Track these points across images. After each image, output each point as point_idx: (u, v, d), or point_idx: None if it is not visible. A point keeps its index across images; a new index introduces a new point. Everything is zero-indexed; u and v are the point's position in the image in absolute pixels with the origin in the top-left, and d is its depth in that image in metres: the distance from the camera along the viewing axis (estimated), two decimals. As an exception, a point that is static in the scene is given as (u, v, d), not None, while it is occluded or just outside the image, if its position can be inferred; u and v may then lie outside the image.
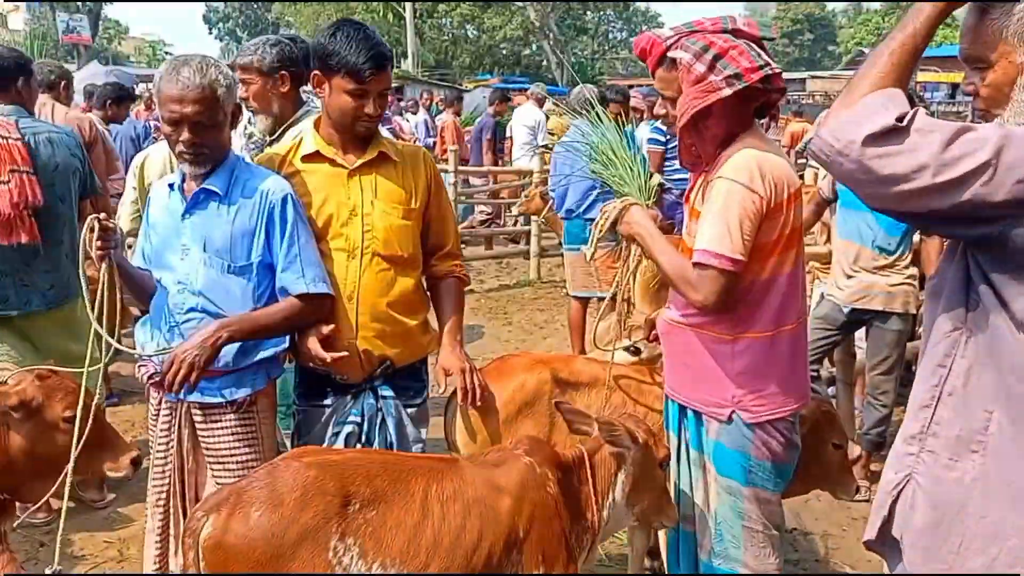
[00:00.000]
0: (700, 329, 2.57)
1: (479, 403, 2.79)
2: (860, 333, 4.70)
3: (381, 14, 36.23)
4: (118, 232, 2.52)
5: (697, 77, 2.35)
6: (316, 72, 2.63)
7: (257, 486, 2.08)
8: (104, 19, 44.95)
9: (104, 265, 2.48)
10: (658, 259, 2.56)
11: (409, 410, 2.80)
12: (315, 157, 2.71)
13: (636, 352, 3.47)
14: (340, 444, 2.65)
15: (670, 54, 2.41)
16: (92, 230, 2.43)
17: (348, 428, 2.68)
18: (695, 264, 2.41)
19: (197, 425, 2.60)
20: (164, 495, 2.64)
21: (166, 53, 41.19)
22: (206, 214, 2.59)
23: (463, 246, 9.92)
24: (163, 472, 2.65)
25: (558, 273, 8.91)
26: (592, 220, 6.23)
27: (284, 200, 2.57)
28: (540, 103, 11.29)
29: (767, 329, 2.52)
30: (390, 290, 2.70)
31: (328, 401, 2.72)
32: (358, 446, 2.66)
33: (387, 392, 2.73)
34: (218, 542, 2.03)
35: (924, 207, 1.48)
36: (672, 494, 2.72)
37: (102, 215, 2.49)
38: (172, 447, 2.64)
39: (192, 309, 2.58)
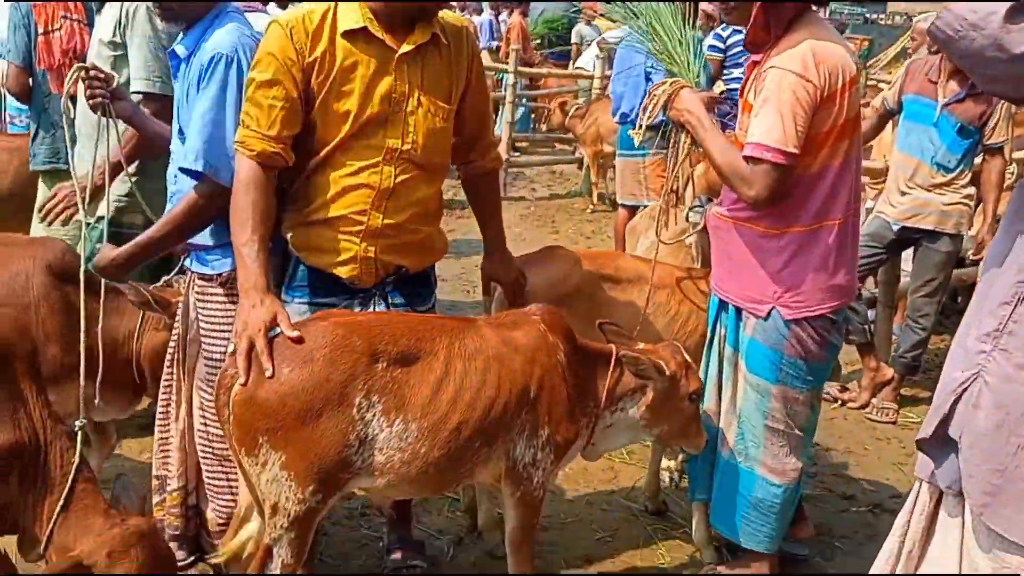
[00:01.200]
0: (746, 224, 2.56)
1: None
2: (907, 255, 4.59)
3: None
4: (112, 82, 2.52)
5: None
6: None
7: (286, 345, 2.09)
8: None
9: (99, 113, 2.50)
10: (709, 148, 2.51)
11: None
12: (360, 35, 2.28)
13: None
14: None
15: None
16: (81, 78, 2.43)
17: None
18: (747, 158, 2.38)
19: (196, 294, 2.58)
20: (170, 360, 2.68)
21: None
22: (178, 78, 2.51)
23: (516, 153, 9.98)
24: (173, 340, 2.69)
25: (612, 187, 8.82)
26: (650, 127, 6.18)
27: (215, 60, 2.34)
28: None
29: (811, 223, 2.49)
30: (417, 199, 2.44)
31: (332, 300, 2.45)
32: None
33: (398, 299, 2.53)
34: (249, 397, 2.05)
35: None
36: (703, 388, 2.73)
37: (90, 66, 2.51)
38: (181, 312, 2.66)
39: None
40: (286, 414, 2.03)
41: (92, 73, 2.52)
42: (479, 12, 14.27)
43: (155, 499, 2.71)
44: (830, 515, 3.52)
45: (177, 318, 2.64)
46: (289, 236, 2.43)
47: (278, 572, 2.16)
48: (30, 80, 3.71)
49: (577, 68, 10.91)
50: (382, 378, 2.10)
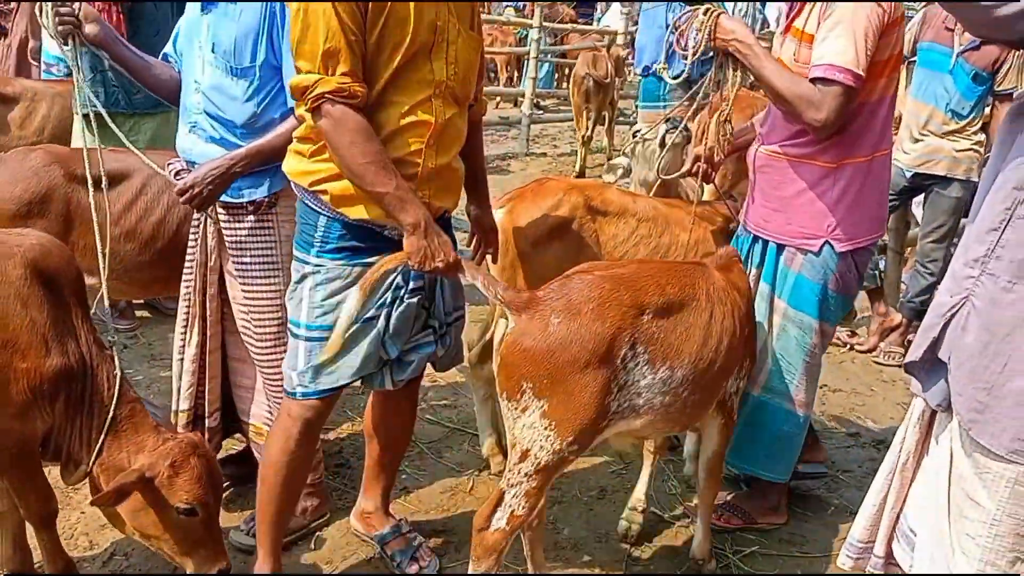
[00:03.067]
0: (803, 159, 2.57)
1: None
2: (916, 200, 4.66)
3: None
4: (78, 8, 2.54)
5: None
6: None
7: (554, 296, 2.10)
8: None
9: (70, 42, 2.53)
10: (766, 74, 2.45)
11: None
12: None
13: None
14: (401, 311, 2.25)
15: None
16: (48, 6, 2.43)
17: (415, 295, 2.28)
18: (817, 79, 2.37)
19: (221, 223, 2.60)
20: (190, 287, 2.72)
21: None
22: (218, 12, 2.48)
23: (539, 111, 10.00)
24: (191, 267, 2.71)
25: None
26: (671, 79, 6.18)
27: None
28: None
29: (866, 154, 2.54)
30: (459, 134, 2.32)
31: (367, 259, 2.24)
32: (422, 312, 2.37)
33: None
34: (517, 342, 2.07)
35: None
36: None
37: None
38: (199, 242, 2.69)
39: (203, 110, 2.55)
40: (552, 364, 2.04)
41: (55, 1, 2.51)
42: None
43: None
44: (836, 451, 3.65)
45: (193, 248, 2.70)
46: (322, 189, 2.19)
47: (504, 522, 2.13)
48: None
49: (603, 25, 10.89)
50: (648, 329, 2.13)
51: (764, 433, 2.85)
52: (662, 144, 3.55)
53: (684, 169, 3.11)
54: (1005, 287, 1.61)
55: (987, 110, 4.28)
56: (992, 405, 1.62)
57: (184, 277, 2.74)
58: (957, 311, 1.70)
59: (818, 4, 2.45)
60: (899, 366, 4.49)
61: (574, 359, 2.03)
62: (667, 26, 6.03)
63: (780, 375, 2.80)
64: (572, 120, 10.40)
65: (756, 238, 2.81)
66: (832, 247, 2.61)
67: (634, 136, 3.99)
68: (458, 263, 2.14)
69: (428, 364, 2.49)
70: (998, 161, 1.71)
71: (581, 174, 8.30)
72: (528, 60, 9.61)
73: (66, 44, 2.58)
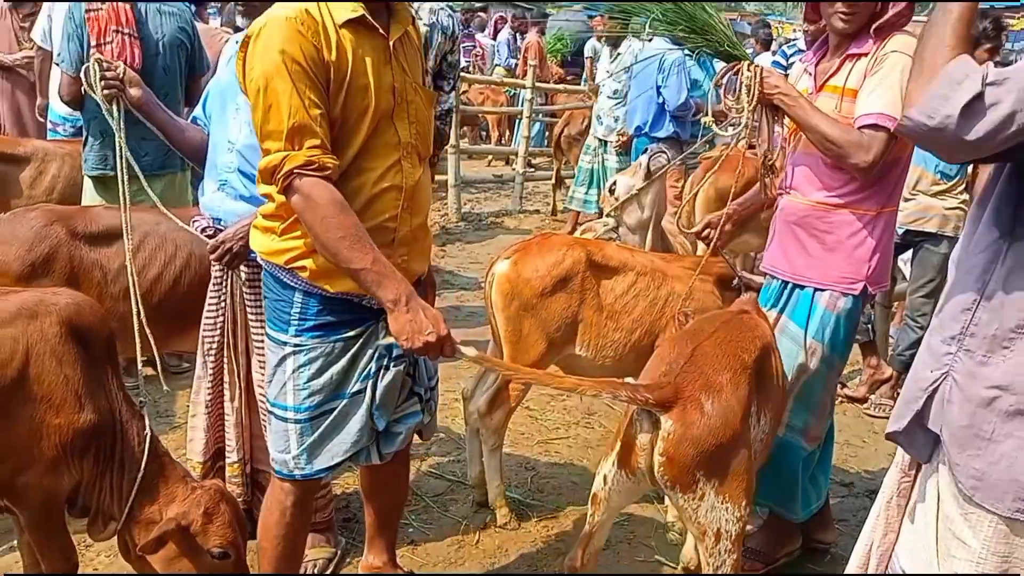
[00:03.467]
0: (848, 208, 2.74)
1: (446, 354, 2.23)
2: (902, 257, 4.82)
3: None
4: (123, 71, 2.66)
5: None
6: None
7: (692, 378, 2.14)
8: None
9: (115, 105, 2.63)
10: (814, 121, 2.63)
11: None
12: (359, 25, 2.09)
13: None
14: (387, 382, 2.23)
15: None
16: (96, 69, 2.54)
17: (400, 363, 2.25)
18: (867, 127, 2.58)
19: (247, 284, 2.64)
20: (215, 344, 2.75)
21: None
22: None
23: (531, 169, 10.18)
24: (215, 323, 2.74)
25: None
26: (659, 139, 6.37)
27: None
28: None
29: (895, 204, 2.78)
30: (427, 195, 2.32)
31: (350, 333, 2.19)
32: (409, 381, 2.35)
33: None
34: (684, 439, 2.08)
35: (1006, 147, 1.57)
36: None
37: (103, 58, 2.63)
38: (224, 299, 2.73)
39: (236, 169, 2.60)
40: (719, 445, 2.10)
41: (104, 64, 2.62)
42: (482, 30, 14.60)
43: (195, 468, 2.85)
44: (831, 501, 3.72)
45: (221, 305, 2.75)
46: (299, 266, 2.15)
47: None
48: (82, 89, 3.94)
49: (594, 84, 11.13)
50: (756, 382, 2.29)
51: (780, 470, 2.94)
52: (647, 174, 3.71)
53: (694, 230, 3.26)
54: (981, 361, 1.72)
55: (969, 169, 4.47)
56: (988, 471, 1.71)
57: (205, 332, 2.80)
58: (939, 385, 1.80)
59: (860, 62, 2.67)
60: (887, 418, 4.59)
61: (735, 433, 2.12)
62: (656, 91, 6.29)
63: (803, 412, 2.93)
64: (565, 177, 10.64)
65: (785, 283, 2.95)
66: (867, 289, 2.81)
67: (611, 192, 4.12)
68: (450, 338, 2.06)
69: (423, 426, 2.48)
70: (967, 241, 1.83)
71: (554, 212, 9.12)
72: (521, 119, 9.83)
73: (111, 106, 2.66)
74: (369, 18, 2.09)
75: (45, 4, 5.04)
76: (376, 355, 2.21)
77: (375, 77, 2.10)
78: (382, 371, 2.21)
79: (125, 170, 2.61)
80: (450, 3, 3.71)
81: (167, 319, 3.01)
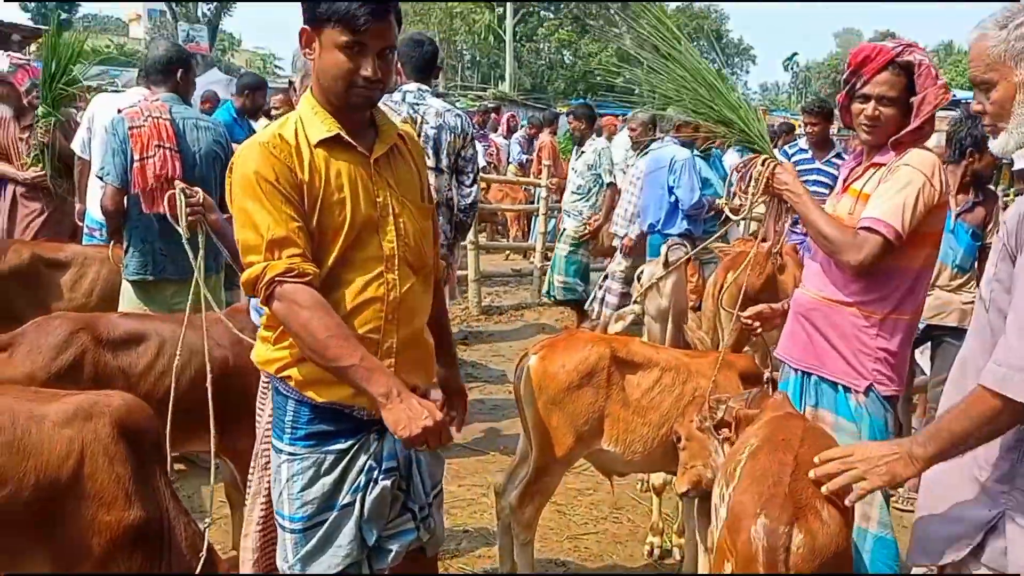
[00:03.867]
0: (854, 307, 2.83)
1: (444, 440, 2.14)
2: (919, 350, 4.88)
3: (483, 36, 37.26)
4: (201, 198, 2.80)
5: (940, 79, 2.75)
6: (304, 27, 2.16)
7: (803, 484, 2.10)
8: (220, 31, 47.16)
9: (198, 231, 2.75)
10: (812, 217, 2.79)
11: None
12: (334, 144, 2.17)
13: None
14: (376, 495, 2.21)
15: (907, 58, 2.75)
16: (181, 197, 2.70)
17: (389, 477, 2.23)
18: (863, 228, 2.70)
19: (262, 396, 2.63)
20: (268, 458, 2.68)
21: (276, 66, 43.03)
22: None
23: (548, 263, 10.39)
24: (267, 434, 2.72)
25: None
26: (670, 235, 6.51)
27: None
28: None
29: (907, 313, 2.84)
30: (421, 307, 2.31)
31: (341, 445, 2.21)
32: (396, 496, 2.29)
33: None
34: (812, 548, 2.06)
35: None
36: None
37: (185, 187, 2.79)
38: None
39: None
40: (835, 553, 2.08)
41: (187, 192, 2.77)
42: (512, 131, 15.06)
43: None
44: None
45: (260, 419, 2.76)
46: (288, 374, 2.19)
47: None
48: (125, 200, 4.08)
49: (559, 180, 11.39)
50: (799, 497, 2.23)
51: (882, 569, 2.90)
52: (666, 263, 3.82)
53: (748, 312, 3.20)
54: None
55: (976, 264, 4.60)
56: None
57: (263, 445, 2.75)
58: (996, 523, 1.88)
59: (880, 171, 2.81)
60: (912, 511, 4.57)
61: (847, 537, 2.14)
62: (669, 191, 6.49)
63: (887, 507, 2.93)
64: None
65: (800, 376, 2.99)
66: (876, 390, 2.83)
67: (638, 280, 4.21)
68: (447, 423, 2.03)
69: (423, 544, 2.37)
70: (981, 345, 1.94)
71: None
72: (537, 215, 10.10)
73: (191, 231, 2.79)
74: (345, 136, 2.17)
75: (84, 116, 5.33)
76: (366, 467, 2.21)
77: (352, 192, 2.16)
78: (371, 484, 2.21)
79: (202, 301, 2.71)
80: (461, 106, 3.83)
81: (182, 421, 2.99)
